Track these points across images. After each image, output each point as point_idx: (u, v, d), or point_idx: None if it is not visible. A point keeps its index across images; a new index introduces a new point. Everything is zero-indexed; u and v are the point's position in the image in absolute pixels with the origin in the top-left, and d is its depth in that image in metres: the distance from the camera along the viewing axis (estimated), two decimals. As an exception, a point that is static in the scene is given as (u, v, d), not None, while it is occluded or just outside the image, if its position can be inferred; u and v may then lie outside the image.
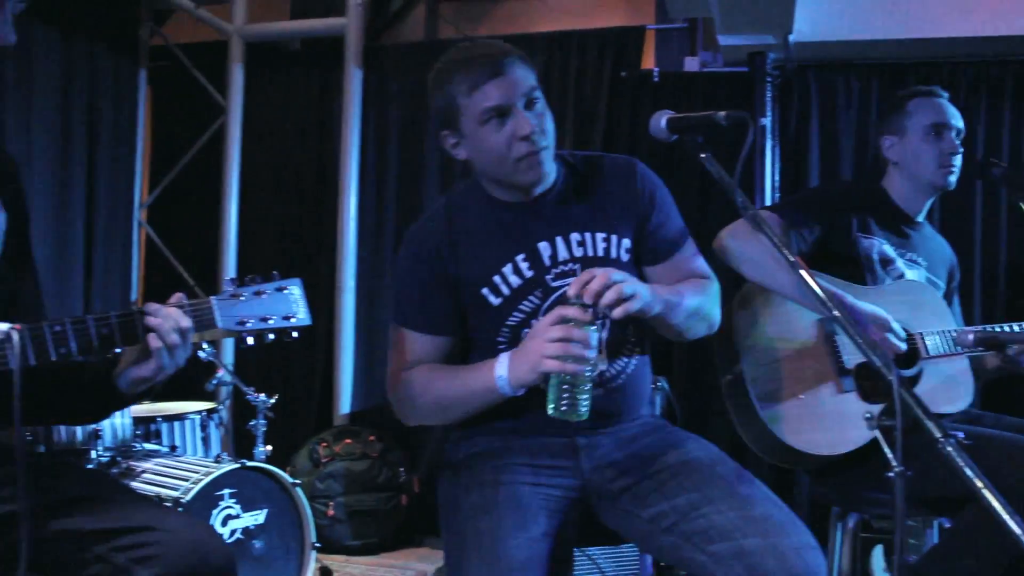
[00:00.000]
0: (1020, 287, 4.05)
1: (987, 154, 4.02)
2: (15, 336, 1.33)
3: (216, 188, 5.09)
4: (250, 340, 1.67)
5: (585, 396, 1.71)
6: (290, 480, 3.11)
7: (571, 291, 1.72)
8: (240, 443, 3.73)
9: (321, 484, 4.24)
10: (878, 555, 3.23)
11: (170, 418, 3.40)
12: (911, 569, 2.20)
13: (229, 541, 2.88)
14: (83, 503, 1.59)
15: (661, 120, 1.81)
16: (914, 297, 2.48)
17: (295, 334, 1.71)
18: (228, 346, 4.70)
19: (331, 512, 4.21)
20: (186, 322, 1.60)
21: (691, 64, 4.52)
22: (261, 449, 3.43)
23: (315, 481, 4.20)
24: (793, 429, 2.28)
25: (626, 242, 1.97)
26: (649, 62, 4.56)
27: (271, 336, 1.69)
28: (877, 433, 1.51)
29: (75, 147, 4.69)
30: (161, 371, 1.60)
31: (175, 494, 2.81)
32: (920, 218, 2.63)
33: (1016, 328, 2.41)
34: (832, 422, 2.29)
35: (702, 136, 1.76)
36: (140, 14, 5.17)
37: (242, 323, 1.66)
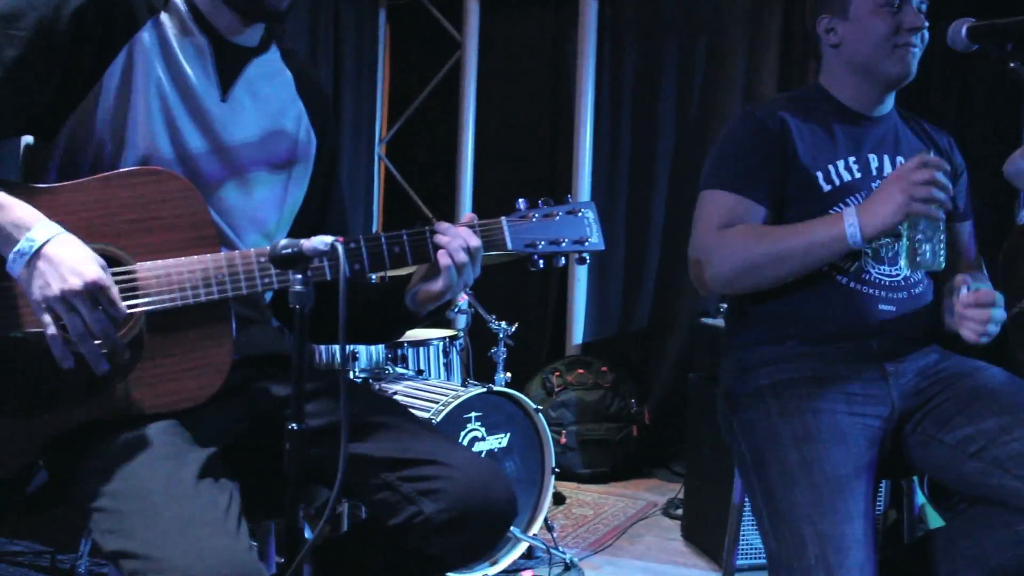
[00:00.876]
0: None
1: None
2: (340, 248, 1.35)
3: (451, 121, 5.18)
4: (541, 263, 1.63)
5: (942, 246, 1.72)
6: (533, 406, 3.15)
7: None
8: (478, 369, 3.82)
9: (554, 412, 4.28)
10: None
11: (415, 343, 3.49)
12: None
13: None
14: (377, 428, 1.63)
15: (961, 29, 1.75)
16: None
17: (587, 257, 1.66)
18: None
19: (563, 440, 4.25)
20: (475, 241, 1.58)
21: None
22: (502, 375, 3.48)
23: (548, 409, 4.24)
24: None
25: None
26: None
27: (562, 260, 1.65)
28: None
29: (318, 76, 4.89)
30: (449, 290, 1.59)
31: (426, 415, 2.86)
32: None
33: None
34: None
35: (1012, 43, 1.66)
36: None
37: (532, 245, 1.62)
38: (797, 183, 1.93)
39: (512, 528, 2.81)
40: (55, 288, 1.34)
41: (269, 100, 1.71)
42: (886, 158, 1.98)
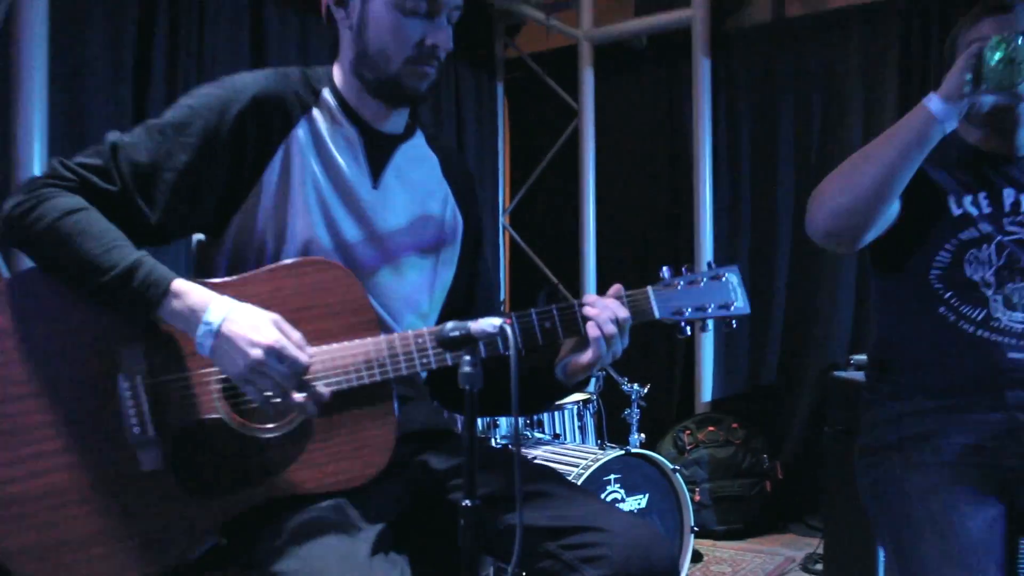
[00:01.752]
0: None
1: None
2: (508, 330, 1.38)
3: (571, 187, 5.25)
4: (688, 330, 1.63)
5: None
6: (670, 466, 3.18)
7: None
8: (611, 431, 3.87)
9: (687, 470, 4.25)
10: None
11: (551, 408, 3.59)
12: None
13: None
14: (534, 497, 1.62)
15: None
16: None
17: (734, 323, 1.65)
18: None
19: (697, 497, 4.23)
20: (623, 312, 1.59)
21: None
22: (636, 436, 3.48)
23: (680, 467, 4.25)
24: None
25: None
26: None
27: (709, 325, 1.64)
28: None
29: (462, 157, 5.06)
30: (599, 360, 1.60)
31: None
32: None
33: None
34: None
35: None
36: (494, 31, 5.46)
37: (678, 312, 1.62)
38: (927, 201, 1.88)
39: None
40: (242, 364, 1.41)
41: (417, 185, 1.76)
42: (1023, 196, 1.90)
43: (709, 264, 1.66)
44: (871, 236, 1.84)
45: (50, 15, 2.92)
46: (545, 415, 3.52)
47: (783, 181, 4.70)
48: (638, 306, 1.62)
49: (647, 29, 5.07)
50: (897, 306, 1.95)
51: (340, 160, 1.65)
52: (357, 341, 1.55)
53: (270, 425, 1.52)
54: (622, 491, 3.07)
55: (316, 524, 1.48)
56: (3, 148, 2.92)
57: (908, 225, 1.88)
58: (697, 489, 4.25)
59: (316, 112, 1.65)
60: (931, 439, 1.83)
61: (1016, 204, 1.88)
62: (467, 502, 1.35)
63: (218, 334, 1.43)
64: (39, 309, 1.49)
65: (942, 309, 1.86)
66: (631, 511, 3.09)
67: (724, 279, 1.64)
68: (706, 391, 4.83)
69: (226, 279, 1.55)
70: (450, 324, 1.42)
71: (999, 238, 1.84)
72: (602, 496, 3.01)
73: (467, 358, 1.38)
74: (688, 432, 4.43)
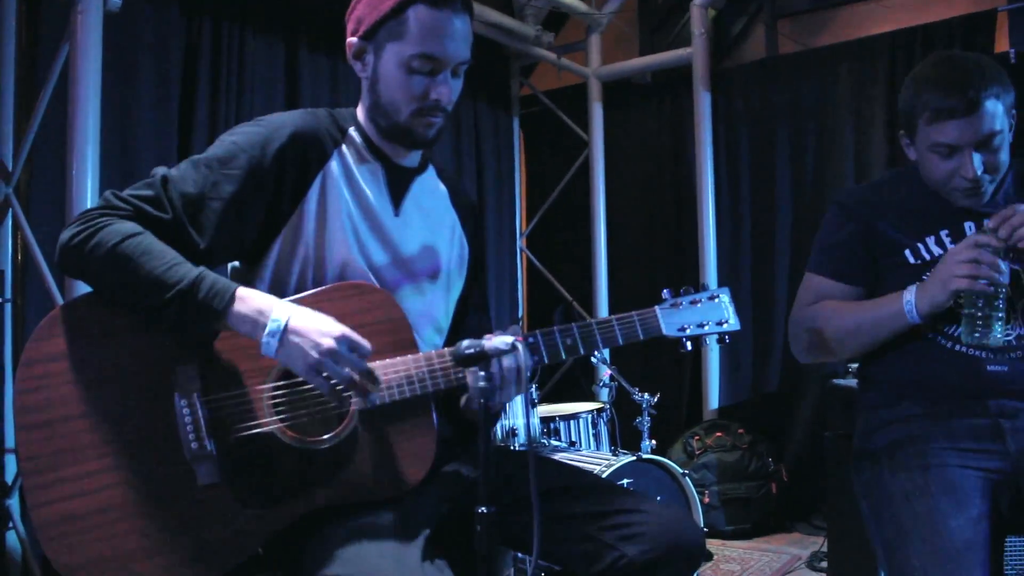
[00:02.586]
0: None
1: None
2: (520, 347, 1.46)
3: (584, 212, 5.31)
4: (689, 345, 1.68)
5: (999, 322, 1.69)
6: (680, 471, 3.15)
7: (991, 223, 1.70)
8: (624, 437, 3.84)
9: (696, 474, 4.24)
10: None
11: (566, 417, 3.55)
12: None
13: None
14: (567, 491, 1.67)
15: None
16: None
17: (727, 338, 1.70)
18: (605, 351, 4.87)
19: (707, 500, 4.20)
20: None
21: (1054, 40, 4.01)
22: (647, 443, 3.49)
23: (690, 472, 4.22)
24: None
25: None
26: (1003, 45, 4.10)
27: (707, 341, 1.70)
28: None
29: (467, 189, 5.09)
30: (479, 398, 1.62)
31: (582, 483, 2.92)
32: None
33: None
34: None
35: None
36: (510, 70, 5.52)
37: (682, 329, 1.67)
38: (886, 259, 1.91)
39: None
40: (314, 354, 1.42)
41: (431, 213, 1.81)
42: (986, 222, 1.83)
43: (705, 286, 1.71)
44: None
45: (104, 59, 2.95)
46: (561, 423, 3.50)
47: (781, 204, 4.74)
48: (648, 324, 1.66)
49: (651, 67, 5.16)
50: None
51: (367, 191, 1.69)
52: (399, 359, 1.57)
53: (322, 437, 1.52)
54: (635, 494, 3.03)
55: (366, 530, 1.48)
56: (60, 186, 2.94)
57: (874, 281, 1.94)
58: (707, 492, 4.22)
59: (345, 148, 1.70)
60: (917, 443, 1.82)
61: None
62: (483, 509, 1.36)
63: (287, 329, 1.44)
64: (93, 333, 1.48)
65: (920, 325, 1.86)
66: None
67: (718, 299, 1.69)
68: (713, 399, 4.85)
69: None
70: (466, 342, 1.45)
71: None
72: (616, 499, 2.98)
73: (481, 373, 1.41)
74: (697, 438, 4.42)
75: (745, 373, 4.84)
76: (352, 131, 1.73)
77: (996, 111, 1.76)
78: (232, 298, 1.45)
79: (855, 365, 3.55)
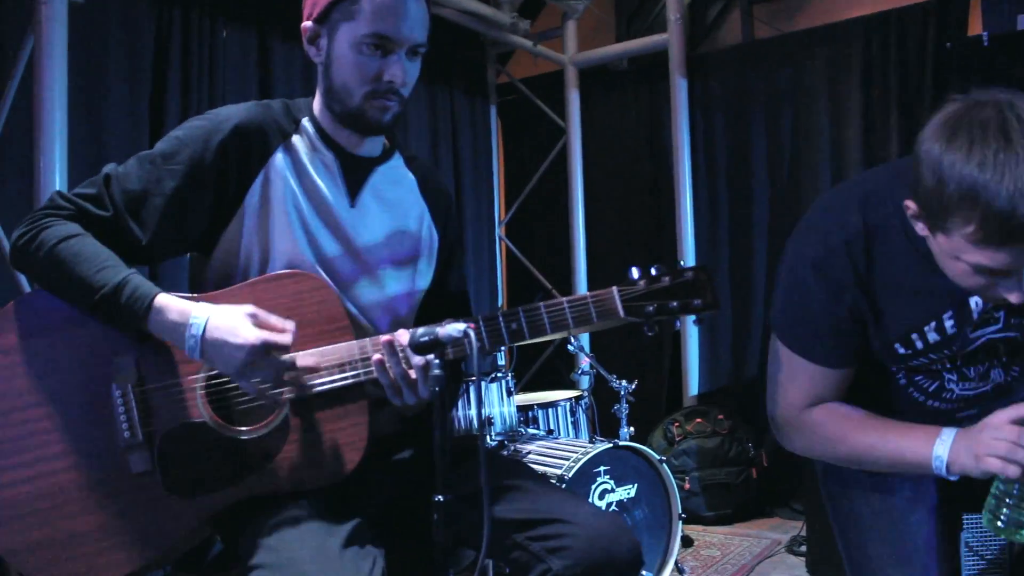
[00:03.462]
0: None
1: None
2: (472, 334, 1.42)
3: (563, 199, 5.30)
4: (653, 329, 1.53)
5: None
6: (657, 457, 3.14)
7: None
8: (603, 425, 3.84)
9: (676, 460, 4.24)
10: None
11: (544, 405, 3.54)
12: None
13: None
14: (505, 492, 1.62)
15: None
16: None
17: (704, 317, 1.54)
18: (584, 338, 4.86)
19: (687, 486, 4.21)
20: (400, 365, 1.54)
21: (1025, 22, 4.02)
22: (626, 430, 3.45)
23: (671, 458, 4.21)
24: None
25: None
26: (976, 28, 4.10)
27: (678, 323, 1.54)
28: None
29: (444, 176, 5.07)
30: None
31: (558, 472, 2.90)
32: None
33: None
34: None
35: None
36: (487, 58, 5.50)
37: (639, 311, 1.51)
38: (877, 345, 1.63)
39: (644, 573, 2.80)
40: (233, 367, 1.45)
41: (393, 203, 1.77)
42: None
43: (675, 264, 1.55)
44: None
45: (69, 52, 2.92)
46: (539, 412, 3.48)
47: (758, 187, 4.74)
48: (604, 306, 1.53)
49: (627, 53, 5.14)
50: None
51: (319, 182, 1.67)
52: (332, 346, 1.55)
53: (252, 427, 1.53)
54: (612, 482, 3.04)
55: (293, 519, 1.49)
56: (28, 178, 2.91)
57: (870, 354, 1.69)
58: (687, 478, 4.22)
59: (296, 139, 1.67)
60: None
61: (985, 311, 1.58)
62: (439, 497, 1.35)
63: (204, 341, 1.46)
64: (41, 326, 1.53)
65: (895, 370, 1.68)
66: (620, 500, 3.06)
67: (689, 277, 1.52)
68: (693, 385, 4.84)
69: (213, 292, 1.58)
70: (420, 329, 1.43)
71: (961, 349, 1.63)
72: (592, 487, 3.00)
73: (436, 361, 1.39)
74: (677, 424, 4.41)
75: (725, 359, 4.84)
76: (305, 121, 1.70)
77: None
78: (150, 306, 1.47)
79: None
